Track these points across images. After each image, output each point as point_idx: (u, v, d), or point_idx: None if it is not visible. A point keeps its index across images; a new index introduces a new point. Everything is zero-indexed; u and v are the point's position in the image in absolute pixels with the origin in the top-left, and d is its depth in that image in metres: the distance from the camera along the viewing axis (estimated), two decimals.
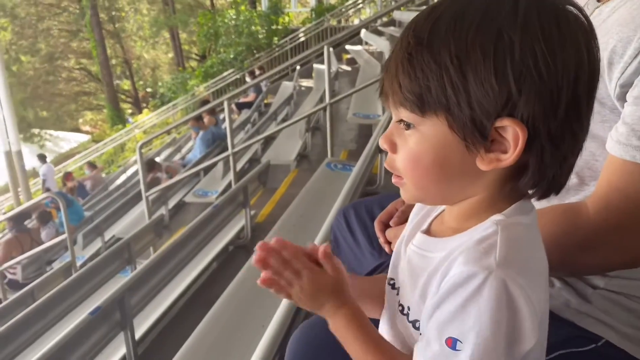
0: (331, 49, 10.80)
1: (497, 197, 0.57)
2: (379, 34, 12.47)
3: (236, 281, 2.24)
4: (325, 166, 3.66)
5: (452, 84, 0.52)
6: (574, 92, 0.52)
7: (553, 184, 0.57)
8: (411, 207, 1.00)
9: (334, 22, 14.67)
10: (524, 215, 0.57)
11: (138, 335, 2.43)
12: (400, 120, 0.57)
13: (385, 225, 1.00)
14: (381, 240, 1.00)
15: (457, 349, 0.52)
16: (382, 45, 10.04)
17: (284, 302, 1.40)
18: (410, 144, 0.57)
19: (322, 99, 7.29)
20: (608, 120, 0.75)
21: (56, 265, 6.04)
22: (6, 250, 6.30)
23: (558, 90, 0.51)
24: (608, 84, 0.73)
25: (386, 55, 8.32)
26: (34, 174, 14.97)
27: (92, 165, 12.35)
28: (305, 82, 11.46)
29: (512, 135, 0.52)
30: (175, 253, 2.74)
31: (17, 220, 6.62)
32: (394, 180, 0.62)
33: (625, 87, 0.71)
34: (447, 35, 0.52)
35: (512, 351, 0.51)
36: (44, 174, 11.67)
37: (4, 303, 4.54)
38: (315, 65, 10.81)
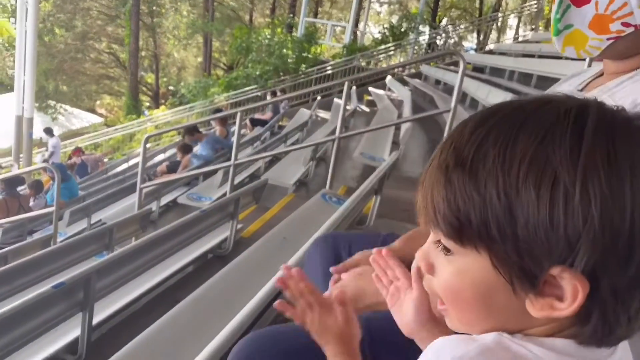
0: (354, 88, 10.99)
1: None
2: (404, 83, 12.69)
3: (204, 287, 2.23)
4: (320, 196, 3.68)
5: (498, 223, 0.44)
6: None
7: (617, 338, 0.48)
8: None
9: (363, 63, 14.94)
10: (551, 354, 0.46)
11: (96, 320, 2.41)
12: (438, 242, 0.50)
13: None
14: (331, 284, 1.01)
15: None
16: (404, 94, 10.20)
17: (241, 313, 1.40)
18: (447, 274, 0.49)
19: (333, 132, 7.36)
20: None
21: (37, 235, 6.02)
22: None
23: (630, 243, 0.42)
24: None
25: (406, 105, 8.42)
26: (39, 143, 15.02)
27: (79, 150, 12.21)
28: (323, 114, 11.60)
29: (571, 287, 0.43)
30: (153, 247, 2.73)
31: (9, 184, 6.62)
32: (440, 306, 0.53)
33: None
34: (494, 165, 0.44)
35: None
36: (54, 146, 11.72)
37: None
38: (335, 100, 10.97)
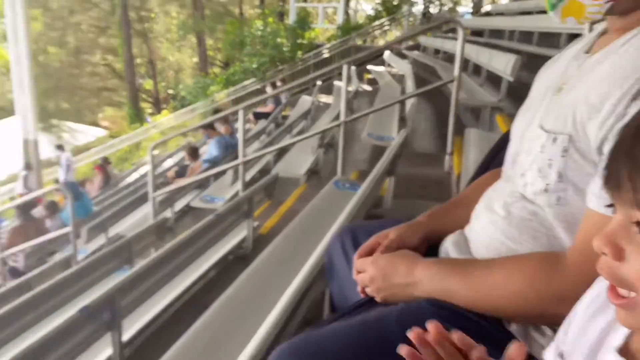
0: (353, 68, 10.86)
1: None
2: (403, 57, 12.51)
3: (231, 291, 2.20)
4: (333, 184, 3.63)
5: None
6: None
7: None
8: (398, 240, 0.96)
9: (359, 42, 14.77)
10: None
11: (126, 337, 2.40)
12: (637, 223, 0.44)
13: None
14: (354, 275, 0.97)
15: None
16: (404, 68, 10.06)
17: (269, 319, 1.36)
18: None
19: (338, 117, 7.28)
20: (591, 174, 0.76)
21: (58, 256, 6.06)
22: (11, 238, 6.33)
23: None
24: (589, 137, 0.76)
25: (408, 79, 8.28)
26: (48, 163, 15.15)
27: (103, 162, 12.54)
28: (325, 98, 11.50)
29: None
30: (172, 257, 2.71)
31: (23, 209, 6.66)
32: (615, 299, 0.47)
33: (603, 142, 0.73)
34: None
35: None
36: (67, 160, 11.96)
37: (2, 290, 4.54)
38: (335, 82, 10.85)
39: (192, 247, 2.89)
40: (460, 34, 3.79)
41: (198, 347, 1.94)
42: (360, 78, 12.25)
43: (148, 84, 25.00)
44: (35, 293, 2.93)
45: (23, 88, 13.06)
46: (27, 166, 12.53)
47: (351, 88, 9.48)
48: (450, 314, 0.82)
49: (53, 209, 7.28)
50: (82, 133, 22.54)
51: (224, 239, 3.39)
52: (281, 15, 18.02)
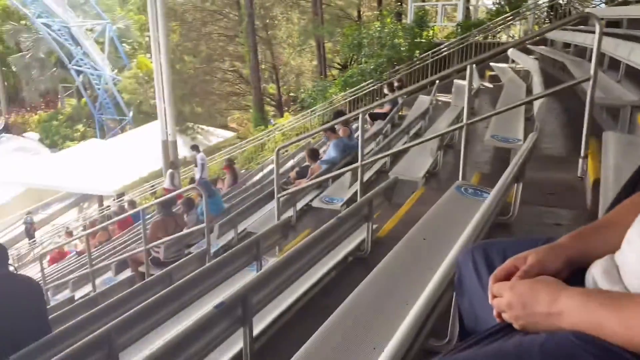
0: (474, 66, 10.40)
1: None
2: (527, 52, 11.77)
3: (355, 294, 2.25)
4: (454, 189, 3.54)
5: None
6: None
7: None
8: (538, 265, 0.93)
9: (479, 38, 14.15)
10: None
11: (255, 332, 2.57)
12: None
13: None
14: (490, 299, 0.95)
15: None
16: (530, 64, 9.46)
17: (404, 324, 1.39)
18: None
19: (459, 117, 7.07)
20: None
21: (193, 249, 6.63)
22: (153, 231, 7.04)
23: None
24: None
25: (535, 77, 7.77)
26: (184, 162, 16.62)
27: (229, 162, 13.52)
28: (443, 97, 11.21)
29: None
30: (297, 258, 2.85)
31: (164, 205, 7.37)
32: None
33: None
34: None
35: None
36: (202, 159, 13.18)
37: (147, 280, 5.09)
38: (455, 81, 10.51)
39: (315, 248, 3.02)
40: (597, 29, 3.50)
41: (329, 346, 2.00)
42: (482, 75, 11.74)
43: (271, 88, 26.27)
44: (177, 285, 3.25)
45: (163, 94, 14.51)
46: (173, 165, 13.92)
47: (472, 86, 9.13)
48: (603, 353, 0.77)
49: (189, 205, 7.97)
50: (213, 135, 24.39)
51: (345, 241, 3.47)
52: (399, 15, 17.88)
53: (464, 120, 4.29)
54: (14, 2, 27.27)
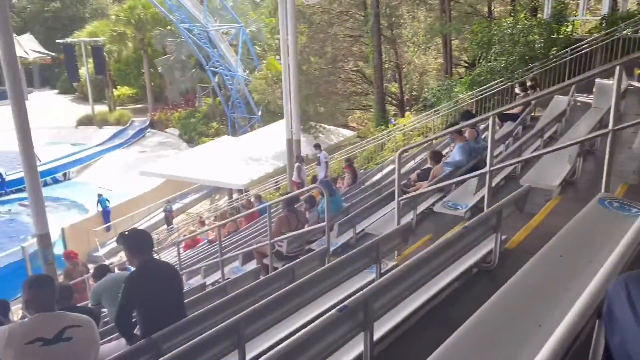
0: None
1: None
2: None
3: (481, 312, 2.15)
4: (597, 202, 3.22)
5: None
6: None
7: None
8: None
9: (629, 32, 12.72)
10: None
11: (375, 337, 2.57)
12: None
13: None
14: None
15: None
16: None
17: (542, 355, 1.30)
18: None
19: (602, 121, 6.44)
20: None
21: (314, 246, 6.83)
22: (278, 226, 7.36)
23: None
24: None
25: None
26: (306, 160, 17.23)
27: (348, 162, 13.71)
28: (582, 97, 10.28)
29: None
30: (421, 266, 2.80)
31: (288, 202, 7.67)
32: None
33: None
34: None
35: None
36: (325, 158, 13.70)
37: (272, 273, 5.34)
38: (597, 80, 9.58)
39: (439, 257, 2.94)
40: None
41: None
42: (630, 73, 10.56)
43: (394, 87, 26.09)
44: (300, 282, 3.36)
45: (290, 94, 15.12)
46: (299, 158, 14.62)
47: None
48: None
49: (311, 202, 8.23)
50: (334, 134, 24.90)
51: (470, 251, 3.33)
52: (534, 10, 16.71)
53: (610, 126, 3.89)
54: (162, 9, 30.11)
